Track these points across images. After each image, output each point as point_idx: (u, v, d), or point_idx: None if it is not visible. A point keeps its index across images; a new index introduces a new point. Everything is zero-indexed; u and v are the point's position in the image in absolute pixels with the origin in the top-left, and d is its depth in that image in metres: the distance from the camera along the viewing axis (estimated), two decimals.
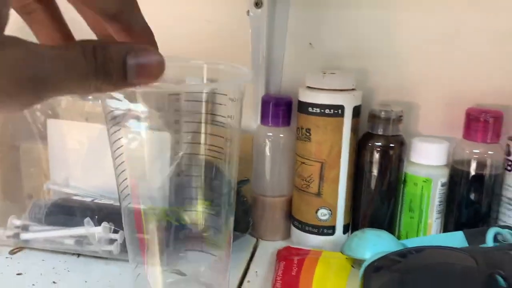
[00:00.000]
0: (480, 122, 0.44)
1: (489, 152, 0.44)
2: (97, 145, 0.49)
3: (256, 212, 0.50)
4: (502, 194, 0.45)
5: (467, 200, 0.45)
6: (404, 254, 0.36)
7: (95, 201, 0.47)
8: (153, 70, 0.21)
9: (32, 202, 0.48)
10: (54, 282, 0.40)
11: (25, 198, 0.50)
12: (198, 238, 0.38)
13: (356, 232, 0.43)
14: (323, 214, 0.46)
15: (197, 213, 0.37)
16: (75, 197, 0.48)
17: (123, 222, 0.36)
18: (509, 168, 0.45)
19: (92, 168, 0.50)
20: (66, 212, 0.46)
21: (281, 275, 0.41)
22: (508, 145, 0.45)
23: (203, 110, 0.35)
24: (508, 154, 0.45)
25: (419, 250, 0.36)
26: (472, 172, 0.45)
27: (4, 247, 0.46)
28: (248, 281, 0.42)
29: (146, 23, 0.23)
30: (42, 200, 0.49)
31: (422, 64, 0.49)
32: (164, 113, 0.36)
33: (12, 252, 0.45)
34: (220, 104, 0.34)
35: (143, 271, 0.37)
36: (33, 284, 0.40)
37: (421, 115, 0.50)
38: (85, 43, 0.19)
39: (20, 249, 0.46)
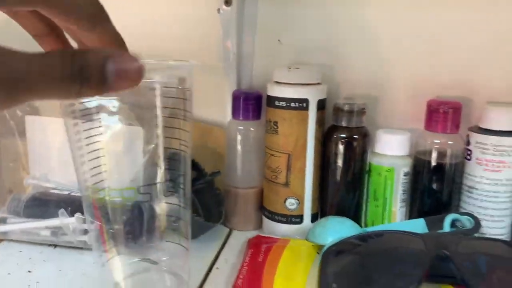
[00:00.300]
0: (440, 113, 0.46)
1: (449, 142, 0.46)
2: None
3: (229, 203, 0.51)
4: (463, 183, 0.47)
5: (429, 189, 0.47)
6: (361, 238, 0.38)
7: (72, 194, 0.49)
8: (133, 75, 0.21)
9: (11, 196, 0.50)
10: (29, 271, 0.42)
11: (5, 193, 0.52)
12: (164, 229, 0.40)
13: (320, 220, 0.44)
14: (291, 204, 0.48)
15: (161, 205, 0.39)
16: (53, 191, 0.50)
17: (89, 213, 0.37)
18: (468, 157, 0.46)
19: (70, 162, 0.51)
20: (43, 205, 0.48)
21: (248, 261, 0.43)
22: (468, 136, 0.47)
23: (158, 104, 0.37)
24: (468, 144, 0.46)
25: (373, 235, 0.38)
26: (433, 162, 0.47)
27: None
28: (217, 268, 0.43)
29: (117, 31, 0.25)
30: (21, 194, 0.50)
31: (386, 59, 0.51)
32: (135, 108, 0.38)
33: None
34: (168, 97, 0.36)
35: (110, 260, 0.38)
36: (9, 274, 0.42)
37: (386, 108, 0.52)
38: (65, 50, 0.20)
39: None
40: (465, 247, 0.34)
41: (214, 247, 0.47)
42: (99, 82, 0.20)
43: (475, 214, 0.45)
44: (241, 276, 0.40)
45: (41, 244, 0.47)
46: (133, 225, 0.39)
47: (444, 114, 0.46)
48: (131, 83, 0.21)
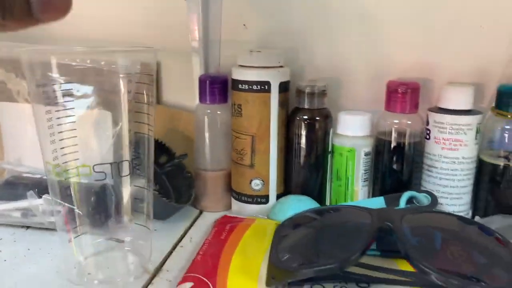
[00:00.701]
0: (398, 94, 0.47)
1: (408, 122, 0.47)
2: None
3: (199, 185, 0.53)
4: (423, 162, 0.48)
5: (390, 168, 0.48)
6: (314, 212, 0.39)
7: (44, 177, 0.50)
8: (59, 4, 0.20)
9: None
10: None
11: None
12: (128, 210, 0.41)
13: (281, 199, 0.46)
14: (256, 184, 0.49)
15: (126, 187, 0.40)
16: (26, 175, 0.52)
17: (55, 195, 0.39)
18: (427, 137, 0.47)
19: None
20: (15, 188, 0.49)
21: (210, 238, 0.44)
22: (427, 116, 0.48)
23: (122, 88, 0.38)
24: (427, 124, 0.47)
25: (326, 209, 0.39)
26: (393, 142, 0.48)
27: None
28: (181, 246, 0.45)
29: None
30: None
31: (348, 42, 0.52)
32: (102, 92, 0.39)
33: None
34: (132, 82, 0.37)
35: (76, 240, 0.40)
36: None
37: (349, 91, 0.53)
38: None
39: None
40: (410, 220, 0.35)
41: (182, 227, 0.49)
42: (23, 12, 0.19)
43: (435, 192, 0.47)
44: (201, 252, 0.41)
45: (13, 226, 0.48)
46: (99, 206, 0.41)
47: (402, 94, 0.47)
48: (58, 14, 0.20)
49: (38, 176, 0.50)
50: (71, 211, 0.41)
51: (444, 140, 0.46)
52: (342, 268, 0.33)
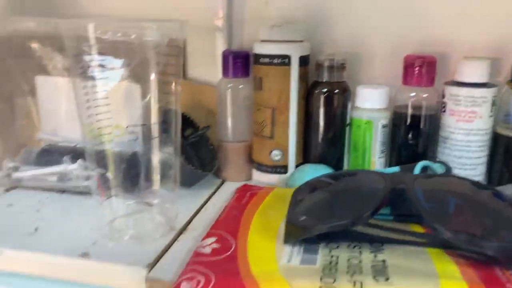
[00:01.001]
0: (415, 67, 0.48)
1: (424, 95, 0.49)
2: None
3: (221, 156, 0.55)
4: (438, 134, 0.50)
5: (406, 140, 0.50)
6: (330, 177, 0.41)
7: (77, 146, 0.54)
8: None
9: (24, 149, 0.55)
10: (37, 211, 0.47)
11: (19, 147, 0.57)
12: (157, 175, 0.44)
13: (299, 167, 0.48)
14: (275, 155, 0.52)
15: (155, 154, 0.43)
16: (61, 144, 0.55)
17: (91, 161, 0.42)
18: (443, 109, 0.49)
19: (76, 118, 0.56)
20: (51, 155, 0.53)
21: (232, 203, 0.47)
22: (443, 89, 0.49)
23: (151, 62, 0.41)
24: (443, 97, 0.49)
25: (342, 174, 0.41)
26: (410, 115, 0.49)
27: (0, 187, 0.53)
28: (205, 210, 0.47)
29: None
30: (33, 147, 0.55)
31: (367, 18, 0.53)
32: (133, 66, 0.42)
33: (6, 190, 0.52)
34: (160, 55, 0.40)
35: (108, 202, 0.43)
36: (20, 212, 0.47)
37: (368, 66, 0.55)
38: None
39: (13, 188, 0.53)
40: (423, 183, 0.37)
41: (205, 194, 0.51)
42: None
43: (450, 163, 0.48)
44: (223, 214, 0.44)
45: (50, 190, 0.52)
46: (130, 172, 0.44)
47: (419, 68, 0.48)
48: None
49: (73, 145, 0.54)
50: (103, 176, 0.44)
51: (460, 112, 0.47)
52: (354, 224, 0.35)
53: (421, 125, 0.49)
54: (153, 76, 0.42)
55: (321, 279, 0.32)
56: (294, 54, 0.49)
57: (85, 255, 0.38)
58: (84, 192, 0.50)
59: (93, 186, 0.49)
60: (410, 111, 0.49)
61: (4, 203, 0.49)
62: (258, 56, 0.50)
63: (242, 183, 0.54)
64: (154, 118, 0.43)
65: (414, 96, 0.49)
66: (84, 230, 0.43)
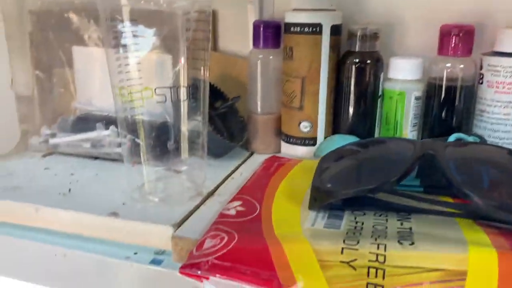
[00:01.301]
0: (451, 36, 0.46)
1: (461, 66, 0.47)
2: None
3: (250, 128, 0.56)
4: (474, 107, 0.48)
5: (440, 113, 0.48)
6: (358, 144, 0.40)
7: (111, 115, 0.55)
8: None
9: (60, 117, 0.57)
10: (72, 174, 0.49)
11: (57, 115, 0.59)
12: (186, 143, 0.45)
13: (327, 137, 0.47)
14: (304, 127, 0.51)
15: (184, 123, 0.43)
16: (95, 113, 0.57)
17: (123, 128, 0.43)
18: (480, 81, 0.47)
19: (110, 88, 0.57)
20: (86, 123, 0.55)
21: (259, 171, 0.47)
22: (481, 60, 0.47)
23: (181, 33, 0.41)
24: (481, 68, 0.47)
25: (370, 142, 0.40)
26: (445, 86, 0.48)
27: (38, 153, 0.55)
28: (232, 178, 0.48)
29: None
30: (69, 115, 0.57)
31: None
32: (164, 37, 0.43)
33: (43, 156, 0.55)
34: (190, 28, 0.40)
35: (138, 168, 0.44)
36: (55, 175, 0.49)
37: (402, 37, 0.53)
38: None
39: (50, 153, 0.55)
40: (454, 150, 0.36)
41: (233, 164, 0.52)
42: None
43: (486, 137, 0.46)
44: (250, 181, 0.44)
45: (84, 156, 0.53)
46: (160, 140, 0.45)
47: (455, 37, 0.46)
48: None
49: (106, 114, 0.55)
50: (134, 143, 0.45)
51: (498, 83, 0.45)
52: (381, 190, 0.34)
53: (456, 97, 0.47)
54: (183, 45, 0.43)
55: (344, 241, 0.32)
56: (325, 22, 0.48)
57: (114, 214, 0.39)
58: (116, 159, 0.52)
59: (124, 153, 0.50)
60: (445, 83, 0.47)
61: (41, 167, 0.51)
62: (288, 25, 0.49)
63: (270, 155, 0.54)
64: (183, 84, 0.43)
65: (450, 67, 0.47)
66: (115, 193, 0.44)
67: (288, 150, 0.53)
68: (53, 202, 0.42)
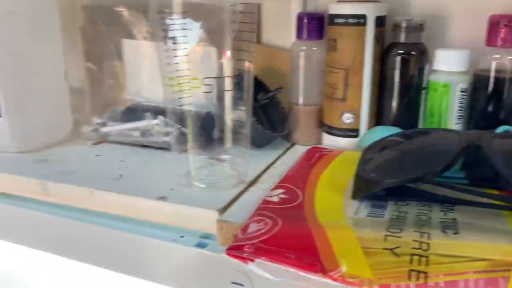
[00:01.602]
0: (500, 26, 0.45)
1: (510, 57, 0.46)
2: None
3: (292, 119, 0.56)
4: None
5: (487, 106, 0.47)
6: (402, 135, 0.41)
7: (159, 105, 0.57)
8: None
9: (111, 107, 0.60)
10: (121, 161, 0.51)
11: (107, 106, 0.62)
12: (230, 132, 0.46)
13: (370, 129, 0.47)
14: (347, 118, 0.51)
15: (229, 113, 0.45)
16: (143, 103, 0.59)
17: (170, 118, 0.45)
18: None
19: (158, 80, 0.60)
20: (135, 113, 0.57)
21: (301, 161, 0.47)
22: None
23: (227, 26, 0.42)
24: None
25: (414, 132, 0.40)
26: (493, 78, 0.47)
27: (89, 141, 0.58)
28: (274, 167, 0.49)
29: None
30: (119, 106, 0.60)
31: None
32: (209, 30, 0.44)
33: (94, 144, 0.57)
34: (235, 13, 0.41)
35: (185, 156, 0.46)
36: (107, 161, 0.51)
37: (448, 28, 0.52)
38: None
39: (101, 142, 0.58)
40: (501, 142, 0.35)
41: (275, 154, 0.53)
42: None
43: None
44: (292, 170, 0.45)
45: (133, 145, 0.56)
46: (206, 129, 0.46)
47: (505, 27, 0.45)
48: None
49: (154, 104, 0.58)
50: (181, 133, 0.46)
51: None
52: (425, 180, 0.34)
53: (505, 89, 0.46)
54: (228, 37, 0.44)
55: (387, 229, 0.32)
56: (370, 14, 0.48)
57: (162, 198, 0.41)
58: (164, 147, 0.54)
59: (171, 141, 0.52)
60: (493, 74, 0.46)
61: (92, 154, 0.54)
62: (333, 17, 0.50)
63: (312, 146, 0.55)
64: (228, 74, 0.44)
65: (499, 58, 0.46)
66: (163, 179, 0.46)
67: (329, 141, 0.54)
68: (106, 186, 0.44)
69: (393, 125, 0.51)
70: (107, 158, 0.52)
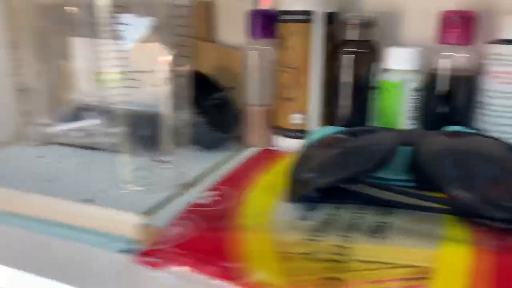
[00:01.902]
0: (452, 24, 0.44)
1: (461, 55, 0.44)
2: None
3: (245, 120, 0.54)
4: (475, 99, 0.45)
5: (440, 105, 0.46)
6: (341, 132, 0.39)
7: (104, 105, 0.55)
8: None
9: (58, 108, 0.58)
10: (59, 162, 0.49)
11: (55, 106, 0.59)
12: (173, 134, 0.44)
13: (315, 129, 0.45)
14: (296, 119, 0.49)
15: (171, 114, 0.43)
16: (92, 103, 0.57)
17: (113, 119, 0.43)
18: (483, 72, 0.44)
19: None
20: (82, 113, 0.55)
21: (245, 163, 0.45)
22: (484, 49, 0.44)
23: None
24: (484, 58, 0.44)
25: (353, 131, 0.38)
26: (445, 77, 0.45)
27: (34, 142, 0.56)
28: (220, 170, 0.46)
29: None
30: (67, 106, 0.58)
31: None
32: (155, 24, 0.42)
33: (38, 145, 0.55)
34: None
35: (123, 157, 0.43)
36: (48, 163, 0.49)
37: (400, 26, 0.50)
38: None
39: (46, 143, 0.55)
40: (440, 140, 0.33)
41: (225, 156, 0.50)
42: None
43: (488, 131, 0.43)
44: (234, 171, 0.43)
45: (77, 146, 0.53)
46: (146, 129, 0.44)
47: (456, 24, 0.43)
48: None
49: (102, 104, 0.55)
50: (121, 133, 0.44)
51: (501, 74, 0.42)
52: (355, 180, 0.32)
53: (458, 89, 0.44)
54: (169, 33, 0.42)
55: (312, 233, 0.30)
56: (318, 9, 0.46)
57: (88, 201, 0.38)
58: (107, 148, 0.51)
59: (112, 142, 0.50)
60: (445, 73, 0.45)
61: (34, 155, 0.51)
62: (282, 13, 0.48)
63: (264, 148, 0.53)
64: (168, 72, 0.43)
65: (450, 56, 0.44)
66: (99, 181, 0.43)
67: (281, 143, 0.52)
68: (36, 188, 0.41)
69: (345, 125, 0.49)
70: (49, 160, 0.50)
